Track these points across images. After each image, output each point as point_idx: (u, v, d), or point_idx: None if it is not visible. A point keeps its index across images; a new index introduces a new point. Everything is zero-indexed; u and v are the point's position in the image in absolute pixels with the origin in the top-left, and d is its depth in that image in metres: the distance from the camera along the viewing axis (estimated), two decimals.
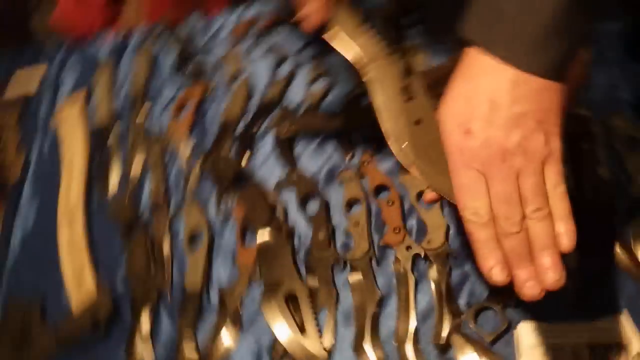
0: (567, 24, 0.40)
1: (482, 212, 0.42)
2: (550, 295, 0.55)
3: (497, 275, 0.42)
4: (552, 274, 0.41)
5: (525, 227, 0.42)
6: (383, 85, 0.51)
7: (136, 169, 0.78)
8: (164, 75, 0.88)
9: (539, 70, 0.41)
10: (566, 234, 0.42)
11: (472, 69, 0.43)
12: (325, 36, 0.55)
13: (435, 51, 0.75)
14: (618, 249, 0.57)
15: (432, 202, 0.50)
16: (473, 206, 0.42)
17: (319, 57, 0.80)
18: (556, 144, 0.42)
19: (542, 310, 0.56)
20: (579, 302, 0.55)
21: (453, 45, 0.47)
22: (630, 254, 0.57)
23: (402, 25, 0.78)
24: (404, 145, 0.48)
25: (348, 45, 0.53)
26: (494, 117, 0.41)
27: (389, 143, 0.50)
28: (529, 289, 0.41)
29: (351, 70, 0.75)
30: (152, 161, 0.77)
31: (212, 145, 0.77)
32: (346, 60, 0.77)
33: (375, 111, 0.51)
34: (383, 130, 0.48)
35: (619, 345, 0.53)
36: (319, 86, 0.78)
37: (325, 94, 0.77)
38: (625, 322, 0.54)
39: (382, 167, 0.69)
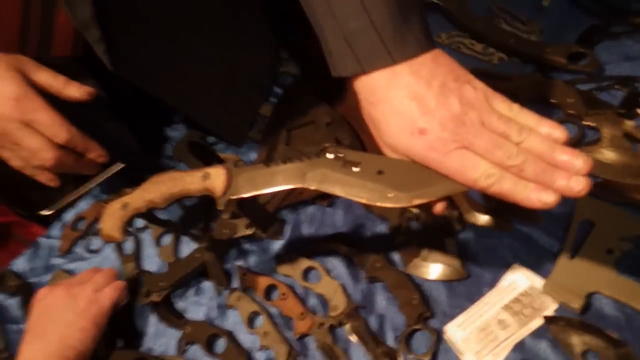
0: (403, 7, 0.44)
1: (491, 170, 0.42)
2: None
3: (549, 198, 0.41)
4: (577, 161, 0.41)
5: (527, 150, 0.43)
6: (329, 177, 0.50)
7: None
8: (18, 320, 0.82)
9: (419, 49, 0.44)
10: (551, 130, 0.44)
11: (375, 92, 0.45)
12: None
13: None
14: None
15: (443, 212, 0.49)
16: (481, 173, 0.42)
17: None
18: (480, 84, 0.46)
19: (454, 305, 0.60)
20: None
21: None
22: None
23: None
24: (392, 195, 0.46)
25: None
26: (427, 105, 0.43)
27: (384, 206, 0.48)
28: (577, 184, 0.41)
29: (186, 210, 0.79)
30: None
31: None
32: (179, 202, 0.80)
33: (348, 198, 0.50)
34: (370, 204, 0.47)
35: (524, 294, 0.58)
36: (167, 240, 0.79)
37: (176, 242, 0.78)
38: (518, 270, 0.59)
39: (260, 271, 0.71)
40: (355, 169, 0.49)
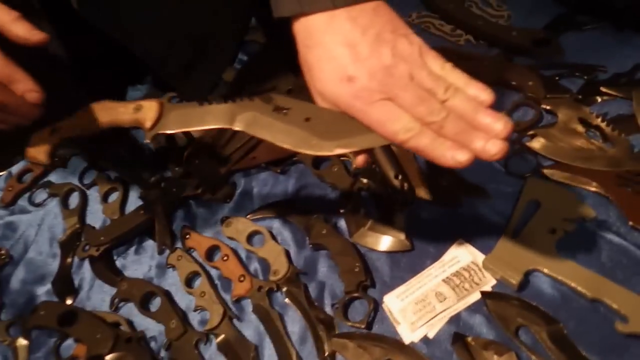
0: None
1: (411, 124, 0.42)
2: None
3: (462, 157, 0.41)
4: (497, 124, 0.41)
5: (451, 109, 0.42)
6: (257, 120, 0.49)
7: None
8: None
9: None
10: (479, 92, 0.43)
11: (312, 35, 0.45)
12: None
13: None
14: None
15: (364, 164, 0.48)
16: (402, 126, 0.42)
17: (101, 175, 0.79)
18: (417, 39, 0.45)
19: (396, 276, 0.59)
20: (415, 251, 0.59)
21: None
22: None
23: None
24: (315, 142, 0.46)
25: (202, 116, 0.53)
26: (359, 53, 0.43)
27: (306, 153, 0.47)
28: (493, 146, 0.41)
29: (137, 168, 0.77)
30: None
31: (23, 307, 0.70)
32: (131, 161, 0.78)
33: (270, 143, 0.49)
34: (293, 149, 0.47)
35: (466, 268, 0.57)
36: (114, 197, 0.77)
37: (123, 200, 0.76)
38: (462, 246, 0.58)
39: (205, 233, 0.69)
40: (284, 114, 0.48)
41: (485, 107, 0.42)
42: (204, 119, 0.51)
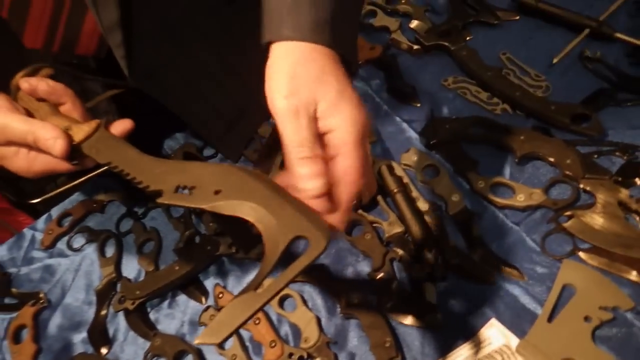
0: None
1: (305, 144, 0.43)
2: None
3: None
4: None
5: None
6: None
7: None
8: None
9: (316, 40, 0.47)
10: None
11: (277, 59, 0.47)
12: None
13: None
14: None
15: None
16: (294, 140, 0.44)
17: (138, 223, 0.81)
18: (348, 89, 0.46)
19: (426, 353, 0.59)
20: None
21: None
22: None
23: None
24: None
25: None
26: (297, 84, 0.45)
27: None
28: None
29: (172, 221, 0.79)
30: None
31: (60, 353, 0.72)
32: (166, 212, 0.80)
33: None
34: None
35: (498, 351, 0.56)
36: (149, 247, 0.79)
37: (158, 252, 0.77)
38: (494, 327, 0.58)
39: (238, 291, 0.70)
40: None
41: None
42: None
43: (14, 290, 0.82)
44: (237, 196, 0.44)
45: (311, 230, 0.40)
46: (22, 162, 0.54)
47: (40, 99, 0.56)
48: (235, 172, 0.46)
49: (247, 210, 0.42)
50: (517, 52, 0.79)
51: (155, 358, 0.68)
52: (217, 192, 0.45)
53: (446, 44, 0.81)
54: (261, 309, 0.38)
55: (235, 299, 0.38)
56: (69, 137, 0.51)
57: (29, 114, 0.55)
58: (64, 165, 0.53)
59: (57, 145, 0.50)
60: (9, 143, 0.52)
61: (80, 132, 0.53)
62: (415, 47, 0.84)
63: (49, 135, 0.50)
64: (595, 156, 0.65)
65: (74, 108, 0.56)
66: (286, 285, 0.39)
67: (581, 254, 0.60)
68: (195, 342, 0.38)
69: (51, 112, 0.54)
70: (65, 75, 0.60)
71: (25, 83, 0.56)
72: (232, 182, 0.45)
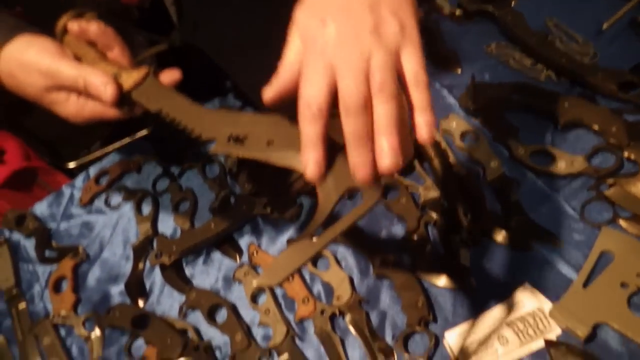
0: None
1: (312, 101, 0.39)
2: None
3: (310, 171, 0.40)
4: (386, 159, 0.38)
5: (371, 110, 0.39)
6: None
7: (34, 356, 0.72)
8: (32, 260, 0.84)
9: None
10: (425, 125, 0.40)
11: None
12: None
13: None
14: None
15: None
16: (306, 94, 0.40)
17: (174, 184, 0.83)
18: (413, 33, 0.41)
19: (458, 313, 0.59)
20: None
21: None
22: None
23: None
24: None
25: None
26: (349, 6, 0.41)
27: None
28: (360, 169, 0.38)
29: (207, 181, 0.80)
30: (48, 342, 0.72)
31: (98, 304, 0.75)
32: (201, 173, 0.81)
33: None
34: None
35: (531, 314, 0.56)
36: (185, 207, 0.80)
37: (194, 211, 0.79)
38: (528, 290, 0.58)
39: (271, 251, 0.71)
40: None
41: (397, 136, 0.38)
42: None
43: (54, 243, 0.85)
44: (290, 147, 0.43)
45: None
46: (72, 107, 0.55)
47: (88, 44, 0.57)
48: (287, 123, 0.45)
49: (299, 161, 0.42)
50: (564, 17, 0.76)
51: (190, 310, 0.70)
52: (269, 143, 0.44)
53: (489, 9, 0.80)
54: (315, 255, 0.39)
55: (290, 246, 0.39)
56: (118, 84, 0.52)
57: (77, 59, 0.55)
58: (112, 112, 0.54)
59: (108, 91, 0.51)
60: (60, 88, 0.54)
61: (129, 78, 0.53)
62: (458, 12, 0.83)
63: (99, 81, 0.51)
64: None
65: (122, 55, 0.56)
66: (340, 234, 0.40)
67: (621, 222, 0.58)
68: (254, 284, 0.39)
69: (99, 58, 0.55)
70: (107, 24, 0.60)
71: (76, 25, 0.56)
72: (284, 133, 0.44)
